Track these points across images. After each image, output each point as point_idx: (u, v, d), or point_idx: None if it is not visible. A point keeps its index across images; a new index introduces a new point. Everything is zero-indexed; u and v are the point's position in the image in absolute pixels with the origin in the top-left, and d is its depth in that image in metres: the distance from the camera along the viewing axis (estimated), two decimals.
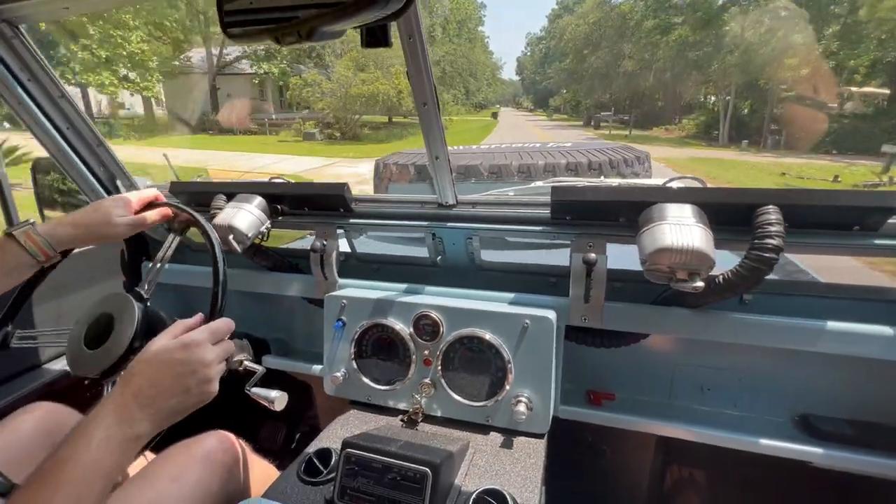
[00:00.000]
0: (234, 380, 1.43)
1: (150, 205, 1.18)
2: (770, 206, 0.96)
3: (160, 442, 0.98)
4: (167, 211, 1.16)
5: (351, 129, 25.87)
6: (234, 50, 27.95)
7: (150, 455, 1.24)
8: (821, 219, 1.01)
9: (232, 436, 1.26)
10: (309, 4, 0.68)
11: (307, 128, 25.48)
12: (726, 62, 26.79)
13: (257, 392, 1.29)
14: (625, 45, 41.36)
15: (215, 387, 0.82)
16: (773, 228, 0.94)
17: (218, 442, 1.21)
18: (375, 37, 0.79)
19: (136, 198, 1.15)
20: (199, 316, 0.91)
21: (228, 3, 0.75)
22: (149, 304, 1.14)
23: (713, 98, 31.39)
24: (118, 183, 1.66)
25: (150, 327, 1.14)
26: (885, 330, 1.01)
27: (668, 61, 33.39)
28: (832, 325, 1.04)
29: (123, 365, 1.03)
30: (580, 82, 49.47)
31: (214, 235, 1.06)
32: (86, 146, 1.52)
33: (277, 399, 1.26)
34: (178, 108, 28.00)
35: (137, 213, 1.14)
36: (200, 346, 0.81)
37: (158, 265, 1.14)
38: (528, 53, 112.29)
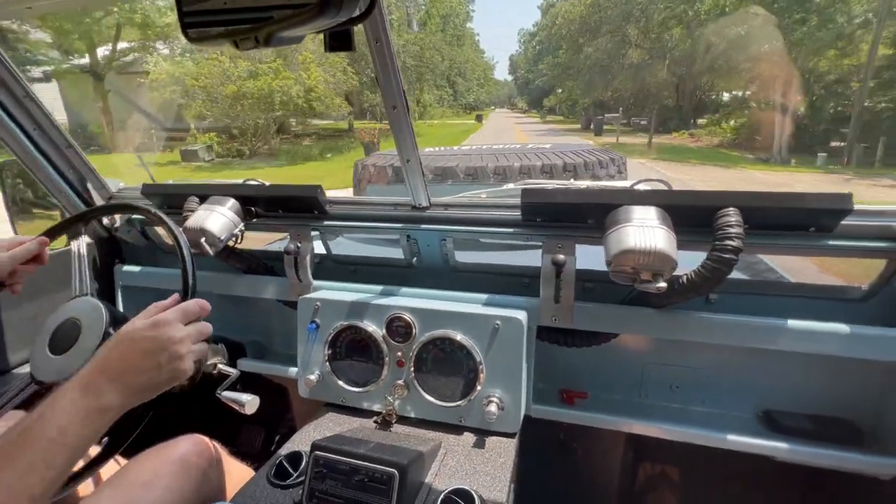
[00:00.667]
0: (209, 384, 1.42)
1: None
2: (730, 209, 0.99)
3: (133, 446, 0.97)
4: (43, 240, 1.11)
5: (263, 140, 19.06)
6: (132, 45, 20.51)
7: (122, 460, 1.22)
8: (779, 220, 1.04)
9: (207, 439, 1.25)
10: (268, 7, 0.68)
11: (193, 142, 17.61)
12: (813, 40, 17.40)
13: (228, 396, 1.29)
14: (630, 28, 33.23)
15: (187, 364, 0.81)
16: (732, 230, 0.96)
17: (193, 445, 1.19)
18: (339, 41, 0.79)
19: (6, 241, 1.09)
20: (174, 296, 0.90)
21: (188, 4, 0.75)
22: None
23: (743, 94, 23.05)
24: (89, 185, 1.63)
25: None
26: (841, 328, 1.05)
27: (693, 44, 24.54)
28: (792, 323, 1.07)
29: None
30: (576, 78, 41.83)
31: (172, 225, 1.04)
32: (54, 148, 1.50)
33: (248, 403, 1.25)
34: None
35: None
36: (170, 324, 0.81)
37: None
38: (522, 52, 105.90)
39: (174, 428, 1.27)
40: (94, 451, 1.22)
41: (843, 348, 1.05)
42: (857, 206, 0.98)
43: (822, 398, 1.20)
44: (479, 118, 48.50)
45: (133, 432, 0.89)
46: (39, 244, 1.10)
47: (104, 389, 0.72)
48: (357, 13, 0.69)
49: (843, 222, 1.01)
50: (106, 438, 0.93)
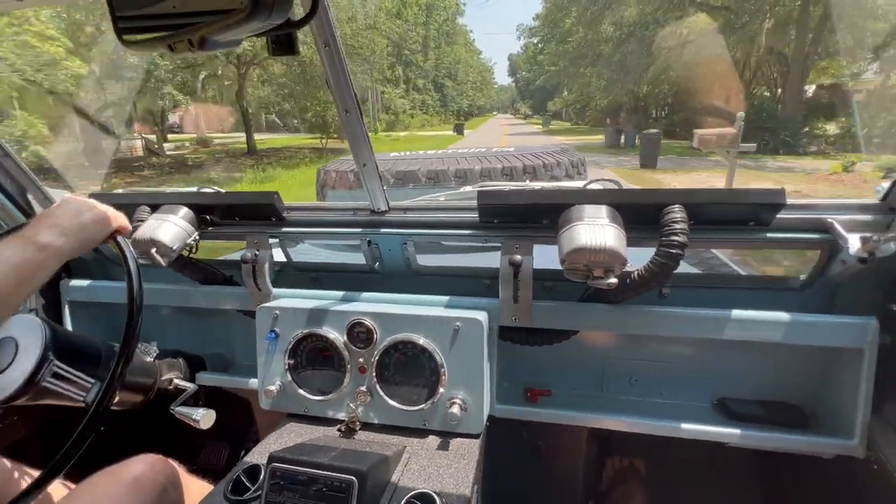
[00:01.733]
0: (166, 400, 1.37)
1: None
2: (675, 206, 1.03)
3: (83, 469, 0.93)
4: None
5: None
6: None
7: (72, 484, 1.16)
8: (721, 216, 1.09)
9: (163, 458, 1.21)
10: (201, 12, 0.67)
11: None
12: None
13: (181, 411, 1.25)
14: None
15: (111, 211, 0.96)
16: (677, 226, 1.00)
17: (147, 466, 1.15)
18: (281, 45, 0.79)
19: None
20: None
21: (121, 9, 0.73)
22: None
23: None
24: (30, 196, 1.55)
25: (61, 349, 1.07)
26: (783, 316, 1.10)
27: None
28: (738, 313, 1.12)
29: (26, 392, 0.97)
30: (588, 67, 29.49)
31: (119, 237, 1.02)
32: None
33: (203, 417, 1.22)
34: None
35: None
36: (75, 198, 0.95)
37: None
38: (522, 51, 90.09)
39: (131, 448, 1.22)
40: (38, 472, 1.17)
41: (785, 335, 1.10)
42: (790, 201, 1.03)
43: (771, 384, 1.26)
44: (458, 129, 37.46)
45: (79, 450, 0.85)
46: None
47: (38, 233, 0.83)
48: (295, 18, 0.69)
49: (779, 216, 1.07)
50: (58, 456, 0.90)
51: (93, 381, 0.98)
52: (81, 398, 0.96)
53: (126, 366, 0.88)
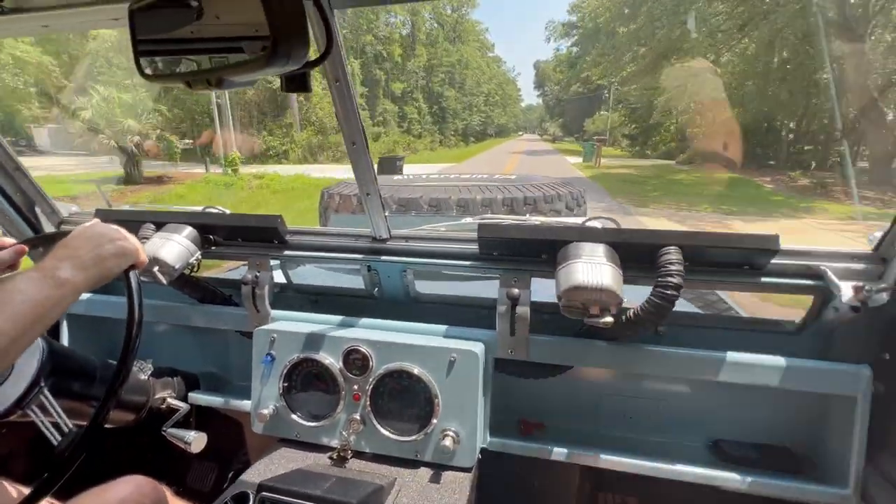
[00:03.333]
0: (157, 420, 1.36)
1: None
2: (672, 247, 1.05)
3: (70, 487, 0.92)
4: (20, 248, 1.11)
5: None
6: None
7: (57, 503, 1.15)
8: (717, 258, 1.11)
9: (150, 480, 1.19)
10: (221, 49, 0.70)
11: None
12: None
13: (173, 433, 1.24)
14: None
15: (129, 244, 0.94)
16: (673, 267, 1.02)
17: (135, 487, 1.14)
18: (295, 83, 0.82)
19: None
20: (95, 219, 1.02)
21: (144, 44, 0.76)
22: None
23: None
24: (37, 210, 1.57)
25: (57, 365, 1.08)
26: (777, 360, 1.11)
27: None
28: (734, 355, 1.13)
29: (11, 414, 0.97)
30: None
31: None
32: (0, 171, 1.44)
33: (195, 440, 1.21)
34: None
35: None
36: (99, 224, 0.95)
37: None
38: (552, 57, 73.65)
39: (119, 466, 1.21)
40: (23, 487, 1.15)
41: (779, 380, 1.11)
42: (784, 247, 1.05)
43: (765, 427, 1.26)
44: (388, 165, 13.19)
45: (67, 471, 0.84)
46: (16, 253, 1.09)
47: (57, 266, 0.82)
48: (312, 58, 0.72)
49: (773, 261, 1.09)
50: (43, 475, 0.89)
51: (72, 428, 0.95)
52: (55, 442, 0.93)
53: (107, 410, 0.86)
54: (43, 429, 0.95)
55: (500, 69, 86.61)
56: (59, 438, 0.93)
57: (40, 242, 1.23)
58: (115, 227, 0.96)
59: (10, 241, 1.09)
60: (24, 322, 0.75)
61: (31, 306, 0.77)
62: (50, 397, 0.99)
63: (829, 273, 1.05)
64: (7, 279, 0.80)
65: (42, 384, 1.01)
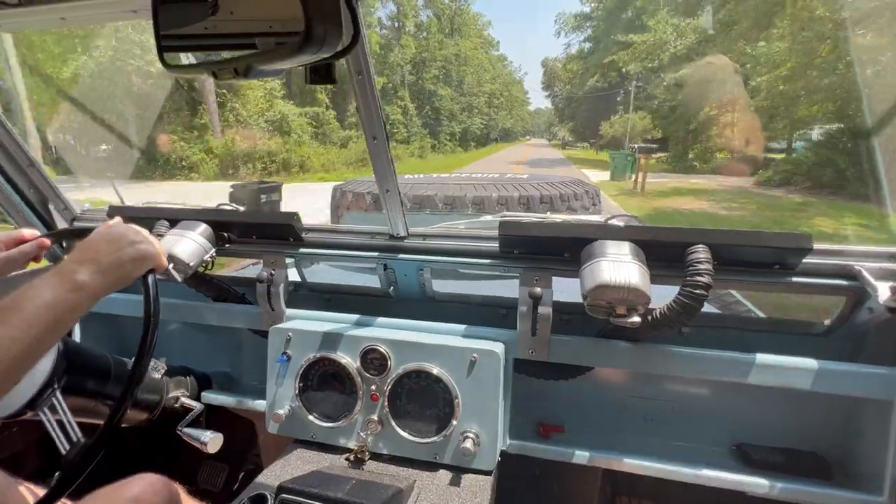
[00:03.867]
0: (170, 419, 1.35)
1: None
2: (700, 245, 1.02)
3: (84, 485, 0.90)
4: (45, 242, 1.10)
5: None
6: None
7: (69, 503, 1.13)
8: (746, 257, 1.08)
9: (163, 478, 1.17)
10: (249, 34, 0.68)
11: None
12: None
13: (189, 433, 1.22)
14: None
15: (149, 247, 0.92)
16: (702, 266, 0.99)
17: (147, 485, 1.12)
18: (320, 74, 0.79)
19: (15, 234, 1.08)
20: (118, 217, 1.01)
21: (166, 28, 0.74)
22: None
23: None
24: (50, 206, 1.56)
25: (72, 363, 1.06)
26: (807, 362, 1.08)
27: None
28: (761, 357, 1.10)
29: (23, 414, 0.95)
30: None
31: None
32: (14, 167, 1.43)
33: (210, 441, 1.19)
34: None
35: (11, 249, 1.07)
36: (120, 225, 0.93)
37: None
38: (562, 54, 61.30)
39: (132, 465, 1.19)
40: (41, 491, 1.13)
41: (809, 382, 1.07)
42: (817, 246, 1.02)
43: (792, 432, 1.22)
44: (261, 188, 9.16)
45: (84, 470, 0.82)
46: (38, 247, 1.09)
47: (76, 270, 0.80)
48: (339, 48, 0.69)
49: (805, 260, 1.06)
50: (56, 475, 0.88)
51: (81, 438, 0.93)
52: (64, 450, 0.91)
53: (121, 415, 0.84)
54: (53, 435, 0.93)
55: (506, 69, 78.82)
56: (68, 447, 0.91)
57: (63, 237, 1.22)
58: (135, 228, 0.93)
59: (31, 233, 1.08)
60: (38, 328, 0.73)
61: (47, 311, 0.74)
62: (62, 400, 0.97)
63: (865, 273, 1.02)
64: (24, 282, 0.77)
65: (55, 385, 0.99)
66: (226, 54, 0.72)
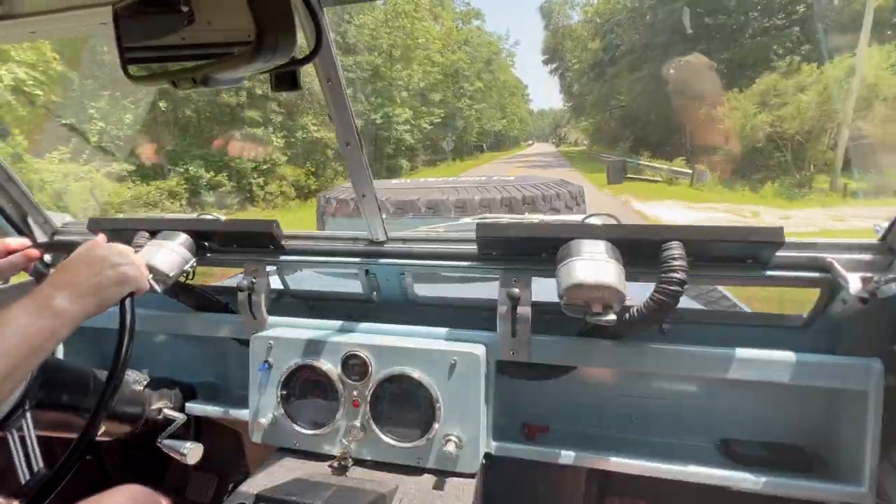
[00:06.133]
0: (155, 430, 1.34)
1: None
2: (674, 242, 1.03)
3: (65, 499, 0.89)
4: (34, 253, 1.09)
5: None
6: None
7: None
8: (720, 252, 1.09)
9: (147, 490, 1.16)
10: (205, 45, 0.68)
11: None
12: None
13: (169, 444, 1.22)
14: None
15: (131, 270, 0.89)
16: (676, 263, 1.00)
17: (128, 497, 1.11)
18: (285, 81, 0.80)
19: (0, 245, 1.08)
20: (101, 235, 0.97)
21: (128, 41, 0.75)
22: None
23: None
24: (30, 220, 1.55)
25: (49, 378, 1.05)
26: (785, 355, 1.08)
27: None
28: (740, 352, 1.10)
29: (6, 424, 0.94)
30: None
31: None
32: None
33: (190, 451, 1.18)
34: None
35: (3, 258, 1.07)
36: (102, 244, 0.90)
37: None
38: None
39: (116, 478, 1.19)
40: (16, 502, 1.12)
41: (787, 376, 1.08)
42: (788, 240, 1.03)
43: (775, 425, 1.23)
44: None
45: (63, 479, 0.82)
46: (27, 259, 1.09)
47: (54, 296, 0.78)
48: (299, 56, 0.70)
49: (778, 254, 1.06)
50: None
51: (42, 468, 0.90)
52: (23, 480, 0.89)
53: (93, 434, 0.83)
54: (15, 461, 0.91)
55: (486, 37, 47.38)
56: (28, 477, 0.88)
57: (50, 249, 1.21)
58: (118, 248, 0.90)
59: (18, 242, 1.08)
60: (15, 357, 0.72)
61: (24, 339, 0.73)
62: (30, 424, 0.94)
63: (836, 265, 1.03)
64: (1, 308, 0.76)
65: (26, 407, 0.97)
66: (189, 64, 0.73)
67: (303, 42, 0.74)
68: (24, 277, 1.50)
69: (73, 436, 0.97)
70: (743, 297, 2.09)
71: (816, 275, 1.07)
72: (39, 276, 1.62)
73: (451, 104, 36.28)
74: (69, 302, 0.79)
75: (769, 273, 1.08)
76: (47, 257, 1.58)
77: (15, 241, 1.11)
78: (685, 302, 1.03)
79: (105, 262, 0.85)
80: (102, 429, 1.02)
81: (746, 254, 1.08)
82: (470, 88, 40.67)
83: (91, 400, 1.14)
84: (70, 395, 1.11)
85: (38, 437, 0.99)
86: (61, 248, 1.20)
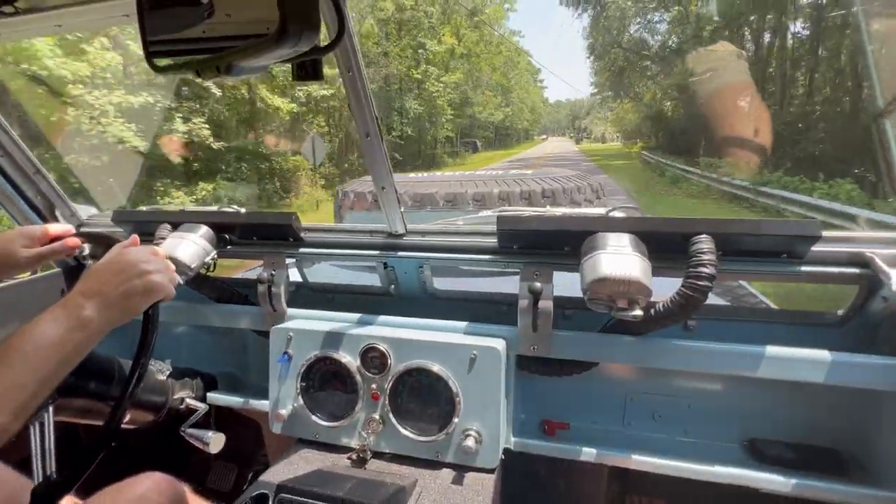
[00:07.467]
0: (177, 420, 1.36)
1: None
2: (703, 235, 0.99)
3: (91, 484, 0.91)
4: (75, 242, 1.11)
5: None
6: None
7: (78, 501, 1.15)
8: (751, 247, 1.05)
9: (170, 478, 1.19)
10: (228, 37, 0.68)
11: None
12: None
13: (192, 433, 1.23)
14: None
15: (159, 278, 0.87)
16: (706, 257, 0.96)
17: (153, 484, 1.13)
18: (307, 71, 0.79)
19: (42, 231, 1.10)
20: (133, 236, 0.97)
21: (153, 34, 0.75)
22: None
23: None
24: (57, 213, 1.59)
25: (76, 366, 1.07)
26: (819, 354, 1.04)
27: None
28: (770, 350, 1.06)
29: (45, 406, 0.96)
30: None
31: None
32: (21, 174, 1.46)
33: (213, 441, 1.20)
34: None
35: (46, 245, 1.10)
36: (132, 250, 0.90)
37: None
38: None
39: (139, 466, 1.21)
40: None
41: (822, 375, 1.04)
42: (826, 233, 0.99)
43: (806, 426, 1.19)
44: None
45: (88, 468, 0.83)
46: (69, 248, 1.11)
47: (83, 305, 0.78)
48: (321, 44, 0.69)
49: (813, 248, 1.02)
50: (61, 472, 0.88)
51: (53, 474, 0.89)
52: (36, 477, 0.88)
53: (116, 427, 0.84)
54: (32, 458, 0.91)
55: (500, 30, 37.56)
56: (41, 479, 0.88)
57: (91, 239, 1.24)
58: (148, 253, 0.89)
59: (61, 228, 1.11)
60: (45, 371, 0.73)
61: (53, 350, 0.74)
62: (51, 419, 0.93)
63: (878, 260, 0.98)
64: (30, 324, 0.75)
65: (50, 401, 0.99)
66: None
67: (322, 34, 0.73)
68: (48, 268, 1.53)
69: (98, 423, 0.98)
70: (762, 292, 2.03)
71: (855, 270, 1.02)
72: (66, 268, 1.66)
73: (449, 112, 21.30)
74: (97, 312, 0.79)
75: (805, 269, 1.04)
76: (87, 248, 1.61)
77: (58, 228, 1.14)
78: (710, 297, 1.00)
79: (133, 270, 0.85)
80: (127, 417, 1.04)
81: (781, 248, 1.03)
82: (436, 48, 22.48)
83: (116, 388, 1.16)
84: (95, 384, 1.13)
85: (65, 424, 1.01)
86: (101, 240, 1.22)
